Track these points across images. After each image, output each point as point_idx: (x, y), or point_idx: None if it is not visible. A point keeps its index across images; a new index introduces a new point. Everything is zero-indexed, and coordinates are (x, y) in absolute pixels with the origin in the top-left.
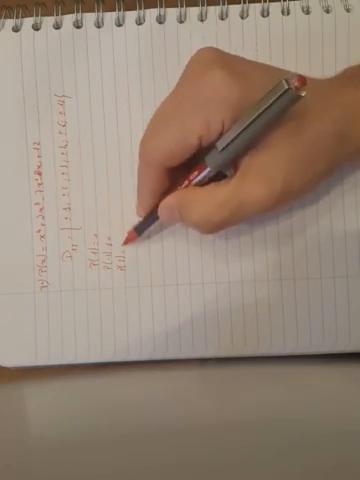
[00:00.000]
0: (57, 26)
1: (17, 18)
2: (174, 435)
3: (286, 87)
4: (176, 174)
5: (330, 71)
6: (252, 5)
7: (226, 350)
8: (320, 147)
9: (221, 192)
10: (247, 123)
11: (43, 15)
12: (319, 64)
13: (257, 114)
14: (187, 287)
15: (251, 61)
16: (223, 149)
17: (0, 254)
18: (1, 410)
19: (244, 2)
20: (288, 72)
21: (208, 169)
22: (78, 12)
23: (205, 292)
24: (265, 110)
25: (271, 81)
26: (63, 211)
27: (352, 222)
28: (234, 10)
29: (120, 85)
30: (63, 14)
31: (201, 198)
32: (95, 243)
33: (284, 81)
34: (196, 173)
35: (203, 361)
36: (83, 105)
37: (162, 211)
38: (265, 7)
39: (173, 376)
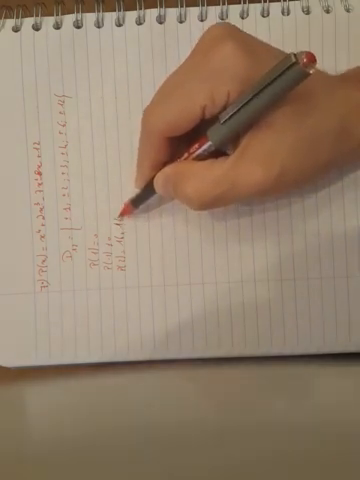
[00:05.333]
0: (57, 26)
1: (17, 18)
2: (175, 435)
3: (293, 60)
4: (177, 147)
5: (330, 71)
6: (252, 5)
7: (226, 350)
8: (322, 138)
9: (217, 169)
10: (251, 95)
11: (43, 15)
12: (319, 64)
13: (262, 87)
14: (187, 287)
15: (263, 41)
16: (225, 121)
17: (0, 254)
18: (1, 410)
19: (244, 2)
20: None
21: (209, 143)
22: (78, 12)
23: (205, 292)
24: (271, 83)
25: (278, 59)
26: (63, 211)
27: (352, 222)
28: (234, 10)
29: (120, 85)
30: (63, 14)
31: (197, 172)
32: (95, 243)
33: (292, 55)
34: (197, 146)
35: (203, 361)
36: (83, 105)
37: (158, 181)
38: (265, 7)
39: (173, 376)
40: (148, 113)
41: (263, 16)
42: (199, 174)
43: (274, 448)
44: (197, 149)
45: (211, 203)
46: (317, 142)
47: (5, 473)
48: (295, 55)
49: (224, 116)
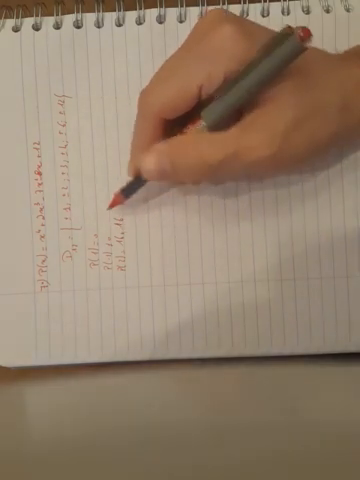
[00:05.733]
0: (57, 26)
1: (17, 18)
2: (175, 435)
3: (289, 34)
4: (173, 132)
5: None
6: (252, 5)
7: (226, 350)
8: (322, 113)
9: (220, 134)
10: (246, 72)
11: (43, 15)
12: None
13: (257, 62)
14: (187, 287)
15: (257, 23)
16: (219, 98)
17: (0, 254)
18: (1, 410)
19: (244, 2)
20: None
21: (202, 123)
22: (78, 12)
23: (205, 292)
24: (266, 58)
25: None
26: (63, 211)
27: (352, 222)
28: (234, 10)
29: (120, 85)
30: (63, 14)
31: (195, 140)
32: (95, 243)
33: (288, 29)
34: (190, 126)
35: (203, 361)
36: (83, 105)
37: (149, 160)
38: (265, 7)
39: (173, 376)
40: (145, 94)
41: (263, 16)
42: (200, 141)
43: (274, 448)
44: (189, 128)
45: (216, 168)
46: (317, 118)
47: (5, 473)
48: (291, 30)
49: (218, 93)
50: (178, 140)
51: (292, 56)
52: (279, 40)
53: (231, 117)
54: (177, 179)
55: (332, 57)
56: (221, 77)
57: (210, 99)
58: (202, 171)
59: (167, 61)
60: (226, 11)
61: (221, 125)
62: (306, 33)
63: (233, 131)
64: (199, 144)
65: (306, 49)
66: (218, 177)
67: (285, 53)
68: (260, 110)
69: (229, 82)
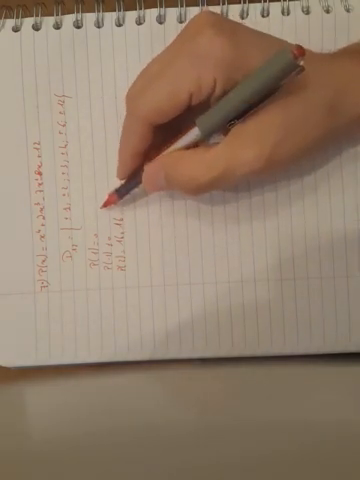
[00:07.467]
0: (57, 26)
1: (17, 18)
2: (175, 435)
3: (291, 60)
4: (160, 138)
5: None
6: (252, 5)
7: (226, 350)
8: (312, 116)
9: (210, 153)
10: (245, 84)
11: (43, 15)
12: None
13: (256, 75)
14: (187, 287)
15: (248, 27)
16: (215, 109)
17: (0, 254)
18: (1, 410)
19: (244, 2)
20: (285, 41)
21: (197, 132)
22: (78, 12)
23: (205, 292)
24: (263, 76)
25: (267, 46)
26: (63, 211)
27: (352, 222)
28: (234, 10)
29: (120, 85)
30: (63, 14)
31: (190, 158)
32: (95, 243)
33: (285, 50)
34: (183, 135)
35: (203, 361)
36: (83, 105)
37: (147, 175)
38: (265, 7)
39: (173, 376)
40: (133, 97)
41: (263, 16)
42: (192, 159)
43: (274, 448)
44: (184, 138)
45: (207, 187)
46: (307, 121)
47: (5, 472)
48: (286, 50)
49: (217, 113)
50: (171, 158)
51: (285, 72)
52: (276, 58)
53: (226, 126)
54: (174, 191)
55: (324, 56)
56: (211, 85)
57: (202, 103)
58: (194, 189)
59: (154, 61)
60: (212, 13)
61: (216, 132)
62: (300, 52)
63: (221, 149)
64: (190, 164)
65: (302, 69)
66: (212, 190)
67: (277, 69)
68: (247, 122)
69: (226, 92)
